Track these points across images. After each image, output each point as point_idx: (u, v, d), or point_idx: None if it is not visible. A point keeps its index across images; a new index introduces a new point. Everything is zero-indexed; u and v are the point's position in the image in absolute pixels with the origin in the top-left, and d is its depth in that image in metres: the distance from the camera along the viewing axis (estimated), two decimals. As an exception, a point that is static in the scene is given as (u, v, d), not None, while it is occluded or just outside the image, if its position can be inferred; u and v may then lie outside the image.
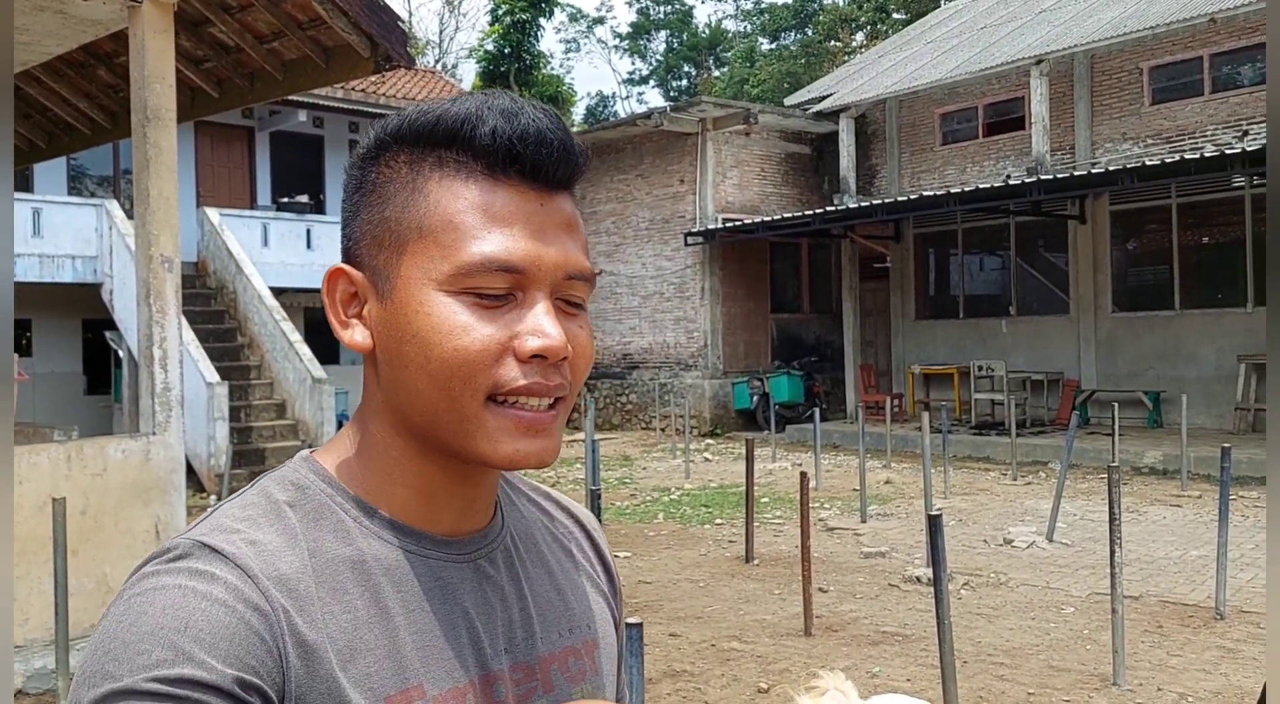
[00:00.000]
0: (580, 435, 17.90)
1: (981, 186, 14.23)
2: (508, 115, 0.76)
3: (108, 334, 14.71)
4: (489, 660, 0.79)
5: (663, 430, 17.16)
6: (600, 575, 0.97)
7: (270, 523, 0.75)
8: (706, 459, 14.48)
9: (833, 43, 34.21)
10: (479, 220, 0.75)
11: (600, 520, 4.47)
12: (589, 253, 0.82)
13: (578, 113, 41.12)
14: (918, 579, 6.99)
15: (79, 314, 15.92)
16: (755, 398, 17.21)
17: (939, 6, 22.99)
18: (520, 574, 0.86)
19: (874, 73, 19.07)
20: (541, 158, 0.76)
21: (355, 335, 0.79)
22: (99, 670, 0.66)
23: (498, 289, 0.74)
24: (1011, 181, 13.92)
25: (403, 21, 6.55)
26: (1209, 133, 14.22)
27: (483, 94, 0.78)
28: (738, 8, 44.88)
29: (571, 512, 0.99)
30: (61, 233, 13.80)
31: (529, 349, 0.74)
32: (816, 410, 12.89)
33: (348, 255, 0.80)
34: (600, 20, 47.77)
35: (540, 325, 0.75)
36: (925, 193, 15.34)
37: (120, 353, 14.37)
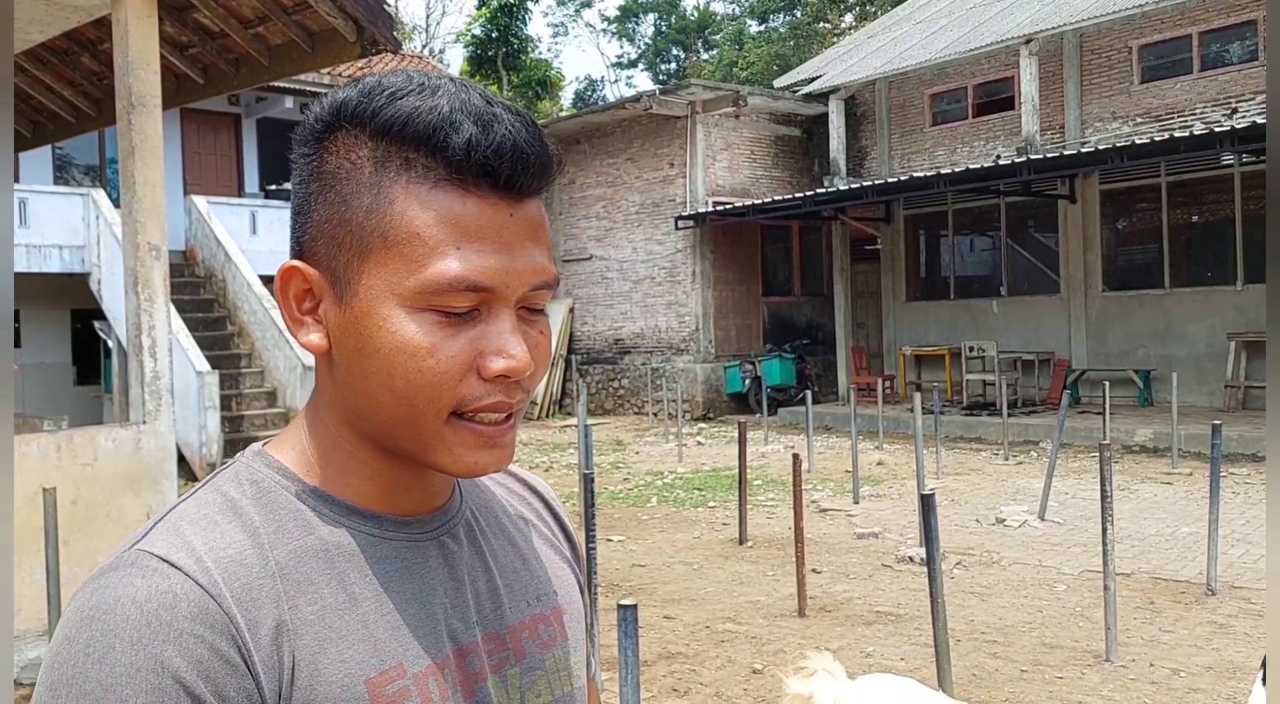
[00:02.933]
0: (573, 421, 17.94)
1: (972, 167, 14.22)
2: (483, 124, 0.73)
3: (97, 324, 14.64)
4: (460, 634, 0.80)
5: (655, 415, 17.17)
6: (561, 541, 0.98)
7: (228, 520, 0.75)
8: (699, 443, 14.50)
9: (822, 24, 34.09)
10: (447, 235, 0.72)
11: (594, 505, 4.47)
12: (552, 254, 0.80)
13: (566, 97, 40.97)
14: (910, 559, 7.01)
15: (67, 304, 15.85)
16: (747, 381, 17.22)
17: (928, -13, 22.94)
18: (484, 547, 0.87)
19: (863, 54, 19.01)
20: (517, 173, 0.74)
21: (311, 336, 0.78)
22: None
23: (463, 307, 0.73)
24: (1002, 162, 13.93)
25: (389, 5, 6.50)
26: (1198, 111, 14.23)
27: (453, 86, 0.75)
28: (726, -10, 44.67)
29: (526, 481, 0.99)
30: (48, 222, 13.72)
31: (494, 370, 0.74)
32: (808, 393, 12.90)
33: (302, 249, 0.78)
34: (588, 4, 47.42)
35: (506, 346, 0.74)
36: (915, 174, 15.34)
37: (109, 343, 14.31)
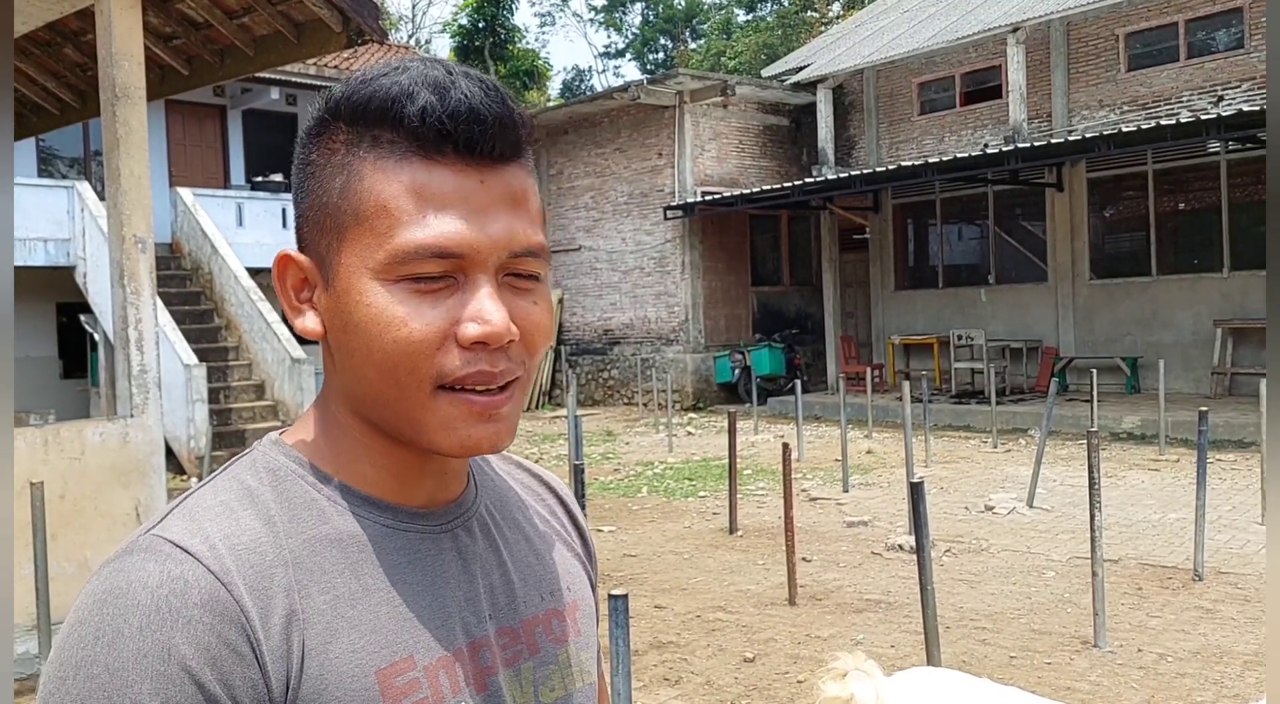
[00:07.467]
0: (563, 412, 17.93)
1: (959, 156, 14.24)
2: (439, 90, 0.73)
3: (83, 317, 14.56)
4: (473, 628, 0.80)
5: (645, 405, 17.18)
6: (575, 539, 0.97)
7: (245, 508, 0.75)
8: (689, 433, 14.51)
9: (809, 13, 34.04)
10: (412, 205, 0.73)
11: (584, 495, 4.48)
12: (544, 223, 0.80)
13: (554, 87, 40.82)
14: (900, 547, 7.04)
15: (53, 298, 15.75)
16: (737, 371, 17.24)
17: (915, -25, 22.91)
18: (498, 541, 0.86)
19: (851, 43, 19.00)
20: (475, 135, 0.73)
21: (307, 322, 0.78)
22: (87, 697, 0.65)
23: (435, 274, 0.73)
24: (989, 150, 13.95)
25: (374, -5, 6.45)
26: (1185, 98, 14.26)
27: (421, 64, 0.76)
28: (713, -21, 44.46)
29: (542, 478, 0.99)
30: (33, 215, 13.61)
31: (470, 336, 0.73)
32: (798, 382, 12.93)
33: (298, 239, 0.80)
34: (575, -7, 47.30)
35: (481, 311, 0.73)
36: (904, 163, 15.33)
37: (96, 336, 14.24)
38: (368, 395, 0.76)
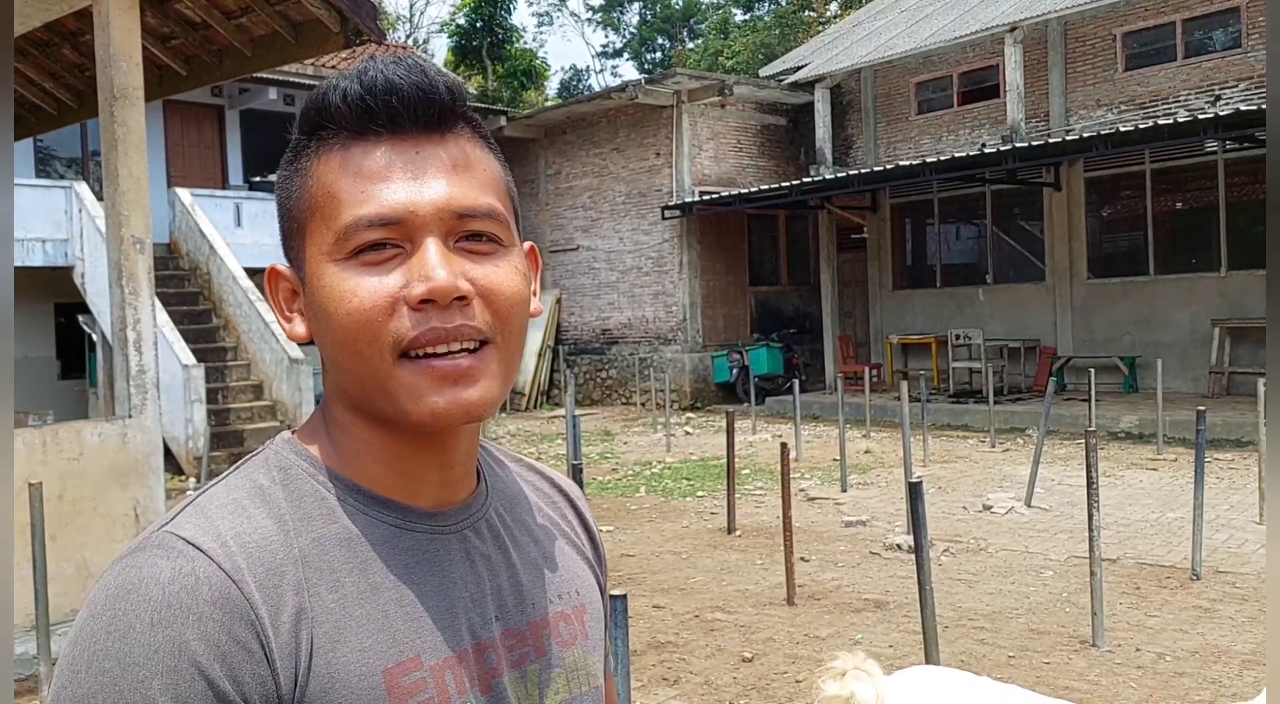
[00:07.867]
0: (561, 411, 17.94)
1: (957, 156, 14.24)
2: (358, 75, 0.77)
3: (81, 318, 14.54)
4: (479, 629, 0.80)
5: (643, 405, 17.18)
6: (585, 542, 0.98)
7: (256, 506, 0.76)
8: (687, 433, 14.51)
9: (807, 12, 34.03)
10: (351, 184, 0.76)
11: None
12: (506, 194, 0.81)
13: (551, 87, 40.83)
14: (898, 546, 7.04)
15: (51, 298, 15.73)
16: (735, 371, 17.25)
17: (913, -25, 22.90)
18: (507, 543, 0.86)
19: (849, 42, 19.01)
20: (394, 106, 0.76)
21: (295, 327, 0.81)
22: (99, 692, 0.66)
23: (380, 243, 0.75)
24: (987, 150, 13.96)
25: (372, -5, 6.45)
26: (1182, 98, 14.27)
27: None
28: (711, -21, 44.45)
29: (554, 481, 0.99)
30: (31, 216, 13.59)
31: (415, 295, 0.74)
32: (796, 382, 12.94)
33: (284, 253, 0.83)
34: (573, -7, 47.25)
35: (425, 269, 0.74)
36: (901, 163, 15.33)
37: (94, 337, 14.22)
38: (345, 380, 0.78)
